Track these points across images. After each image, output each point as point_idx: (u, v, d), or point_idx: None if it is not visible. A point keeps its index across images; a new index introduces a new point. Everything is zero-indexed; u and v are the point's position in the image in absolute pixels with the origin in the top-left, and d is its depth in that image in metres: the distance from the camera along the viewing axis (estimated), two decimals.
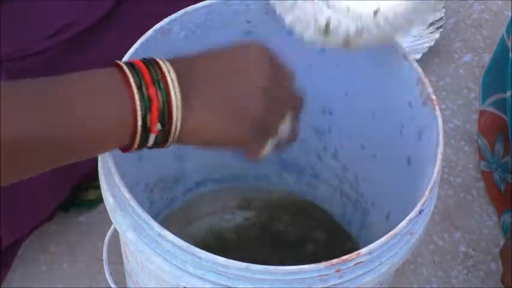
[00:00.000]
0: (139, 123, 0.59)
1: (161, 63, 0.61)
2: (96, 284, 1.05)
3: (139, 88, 0.59)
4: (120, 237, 0.77)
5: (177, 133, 0.61)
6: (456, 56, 1.32)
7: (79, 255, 1.07)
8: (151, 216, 0.65)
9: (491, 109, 1.15)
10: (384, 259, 0.66)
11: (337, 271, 0.64)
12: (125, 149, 0.62)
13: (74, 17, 0.97)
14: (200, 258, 0.63)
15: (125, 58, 0.74)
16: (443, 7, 1.32)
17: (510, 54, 1.07)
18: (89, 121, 0.58)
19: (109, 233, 0.86)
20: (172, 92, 0.60)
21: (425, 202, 0.68)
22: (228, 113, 0.63)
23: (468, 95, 1.27)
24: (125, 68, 0.60)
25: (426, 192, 0.68)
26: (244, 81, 0.64)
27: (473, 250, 1.11)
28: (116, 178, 0.68)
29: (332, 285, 0.64)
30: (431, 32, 1.30)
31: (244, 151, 0.68)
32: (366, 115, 0.86)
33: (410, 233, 0.68)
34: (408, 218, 0.66)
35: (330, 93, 0.88)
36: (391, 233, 0.65)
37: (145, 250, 0.66)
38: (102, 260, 0.86)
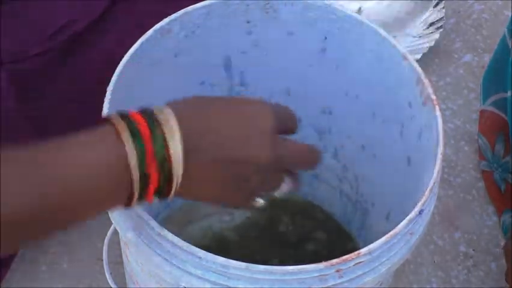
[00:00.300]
0: (135, 197, 0.56)
1: (168, 137, 0.56)
2: (96, 284, 1.05)
3: (139, 166, 0.55)
4: (120, 237, 0.77)
5: (170, 198, 0.58)
6: (456, 56, 1.32)
7: (79, 255, 1.07)
8: (151, 216, 0.65)
9: (491, 109, 1.15)
10: (384, 259, 0.66)
11: (337, 271, 0.64)
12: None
13: (70, 18, 0.97)
14: (200, 258, 0.63)
15: (125, 58, 0.74)
16: (443, 7, 1.32)
17: (511, 54, 1.07)
18: (85, 189, 0.54)
19: (109, 233, 0.86)
20: (174, 176, 0.56)
21: (425, 202, 0.68)
22: (225, 186, 0.60)
23: (468, 95, 1.27)
24: (128, 144, 0.55)
25: (426, 192, 0.68)
26: (244, 157, 0.60)
27: (473, 250, 1.11)
28: None
29: (332, 285, 0.64)
30: (431, 32, 1.30)
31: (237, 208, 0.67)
32: (366, 115, 0.86)
33: (410, 233, 0.68)
34: (408, 218, 0.66)
35: (330, 93, 0.88)
36: (391, 233, 0.65)
37: (145, 250, 0.66)
38: (102, 260, 0.86)
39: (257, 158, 0.60)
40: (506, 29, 1.11)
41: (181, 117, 0.56)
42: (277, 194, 0.66)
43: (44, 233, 0.55)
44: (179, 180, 0.57)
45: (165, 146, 0.55)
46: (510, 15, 1.11)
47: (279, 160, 0.61)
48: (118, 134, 0.55)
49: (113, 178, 0.54)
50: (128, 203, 0.57)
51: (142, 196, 0.56)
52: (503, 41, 1.12)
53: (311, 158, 0.66)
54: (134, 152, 0.54)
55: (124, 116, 0.56)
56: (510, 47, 1.08)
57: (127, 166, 0.54)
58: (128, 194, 0.55)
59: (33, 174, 0.52)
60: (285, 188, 0.65)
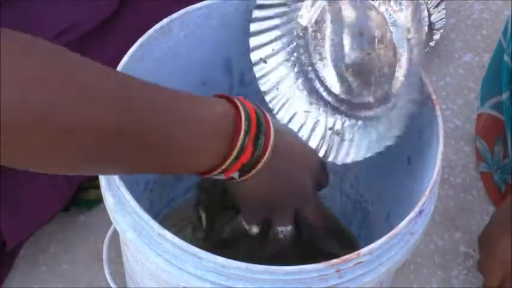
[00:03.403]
0: (228, 161, 0.64)
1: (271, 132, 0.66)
2: (96, 284, 1.05)
3: (243, 140, 0.64)
4: (120, 237, 0.77)
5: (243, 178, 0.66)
6: (456, 56, 1.32)
7: (79, 255, 1.07)
8: (151, 216, 0.65)
9: (489, 111, 1.15)
10: (384, 259, 0.66)
11: (337, 271, 0.64)
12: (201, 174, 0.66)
13: (77, 19, 0.97)
14: (200, 258, 0.63)
15: (126, 58, 0.75)
16: (444, 8, 1.32)
17: (505, 56, 1.08)
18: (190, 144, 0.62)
19: (109, 233, 0.86)
20: (266, 155, 0.65)
21: (425, 202, 0.68)
22: (275, 193, 0.69)
23: (468, 95, 1.27)
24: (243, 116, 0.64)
25: (427, 193, 0.68)
26: (299, 178, 0.71)
27: (473, 250, 1.11)
28: (116, 178, 0.68)
29: (332, 285, 0.64)
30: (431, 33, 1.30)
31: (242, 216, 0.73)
32: None
33: (410, 233, 0.68)
34: (408, 218, 0.66)
35: None
36: (391, 233, 0.65)
37: (145, 250, 0.66)
38: (102, 260, 0.86)
39: (305, 187, 0.71)
40: (501, 32, 1.12)
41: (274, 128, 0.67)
42: (283, 232, 0.73)
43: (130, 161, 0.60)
44: (260, 167, 0.65)
45: (266, 135, 0.65)
46: (507, 17, 1.11)
47: (309, 203, 0.72)
48: (235, 106, 0.65)
49: (220, 134, 0.63)
50: (212, 169, 0.64)
51: (230, 164, 0.64)
52: (499, 43, 1.12)
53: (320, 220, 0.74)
54: (245, 122, 0.64)
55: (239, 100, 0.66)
56: (504, 48, 1.09)
57: (236, 125, 0.64)
58: (223, 155, 0.63)
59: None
60: (287, 228, 0.72)
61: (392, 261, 0.67)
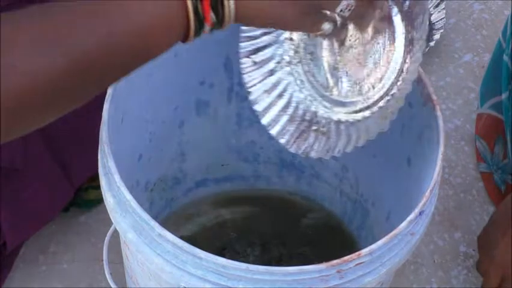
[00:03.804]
0: (191, 15, 0.58)
1: None
2: (96, 284, 1.05)
3: None
4: (120, 238, 0.77)
5: (231, 20, 0.60)
6: (456, 56, 1.32)
7: (79, 255, 1.07)
8: (151, 216, 0.65)
9: (489, 112, 1.15)
10: (385, 260, 0.66)
11: (338, 272, 0.64)
12: (183, 40, 0.60)
13: None
14: (200, 258, 0.63)
15: None
16: (444, 8, 1.32)
17: (504, 56, 1.08)
18: (143, 19, 0.56)
19: (109, 233, 0.86)
20: None
21: (425, 203, 0.68)
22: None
23: (468, 95, 1.27)
24: None
25: (427, 193, 0.68)
26: None
27: (473, 250, 1.11)
28: (117, 178, 0.68)
29: (333, 285, 0.64)
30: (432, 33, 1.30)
31: (303, 30, 0.67)
32: None
33: (411, 233, 0.68)
34: (408, 219, 0.66)
35: None
36: (392, 233, 0.65)
37: (145, 250, 0.66)
38: (102, 260, 0.86)
39: None
40: (501, 32, 1.12)
41: None
42: (341, 10, 0.65)
43: (112, 77, 0.57)
44: None
45: None
46: (507, 17, 1.11)
47: None
48: None
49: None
50: (187, 26, 0.58)
51: (197, 11, 0.58)
52: (498, 43, 1.12)
53: None
54: None
55: None
56: (504, 48, 1.09)
57: None
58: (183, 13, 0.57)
59: (100, 14, 0.55)
60: (344, 3, 0.65)
61: (392, 261, 0.67)
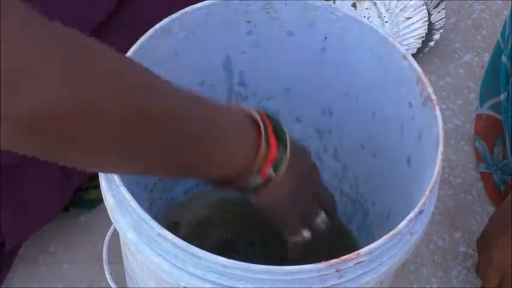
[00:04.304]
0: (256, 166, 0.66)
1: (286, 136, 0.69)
2: (96, 284, 1.05)
3: (265, 132, 0.66)
4: (120, 237, 0.77)
5: (261, 187, 0.69)
6: (456, 56, 1.32)
7: (79, 255, 1.07)
8: (151, 216, 0.65)
9: (489, 112, 1.15)
10: (384, 259, 0.66)
11: (337, 271, 0.64)
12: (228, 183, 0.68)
13: (74, 20, 0.97)
14: (200, 258, 0.63)
15: None
16: (444, 8, 1.32)
17: (502, 57, 1.08)
18: (225, 173, 0.65)
19: (109, 233, 0.86)
20: (287, 146, 0.68)
21: (425, 202, 0.68)
22: (295, 192, 0.72)
23: (468, 95, 1.27)
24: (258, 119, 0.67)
25: (427, 193, 0.68)
26: (311, 176, 0.75)
27: (473, 250, 1.11)
28: (116, 178, 0.68)
29: (332, 285, 0.64)
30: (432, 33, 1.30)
31: (286, 229, 0.76)
32: (366, 115, 0.86)
33: (410, 233, 0.68)
34: (408, 218, 0.66)
35: (330, 93, 0.88)
36: (391, 233, 0.65)
37: (145, 250, 0.66)
38: (102, 260, 0.86)
39: (321, 188, 0.77)
40: (499, 33, 1.12)
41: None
42: (319, 222, 0.75)
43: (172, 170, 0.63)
44: (289, 160, 0.68)
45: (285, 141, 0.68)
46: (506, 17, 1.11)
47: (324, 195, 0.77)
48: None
49: (247, 129, 0.66)
50: (246, 169, 0.66)
51: (263, 158, 0.66)
52: (497, 44, 1.12)
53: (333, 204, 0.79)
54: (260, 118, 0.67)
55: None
56: (502, 49, 1.09)
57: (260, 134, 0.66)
58: (252, 153, 0.66)
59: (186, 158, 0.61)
60: (322, 216, 0.75)
61: (392, 261, 0.67)
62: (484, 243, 0.98)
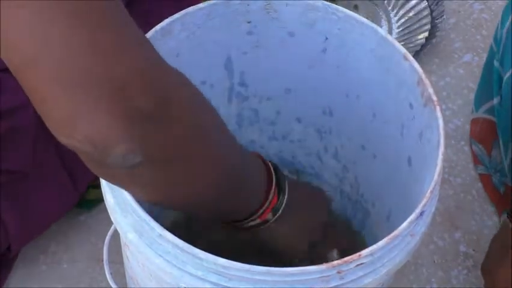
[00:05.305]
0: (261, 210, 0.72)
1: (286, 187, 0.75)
2: (96, 284, 1.05)
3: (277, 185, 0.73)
4: (120, 238, 0.77)
5: (266, 229, 0.74)
6: (456, 56, 1.32)
7: (79, 255, 1.07)
8: (152, 217, 0.65)
9: (486, 116, 1.15)
10: (385, 260, 0.66)
11: (338, 272, 0.64)
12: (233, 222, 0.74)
13: None
14: (201, 259, 0.63)
15: None
16: (443, 9, 1.32)
17: (494, 62, 1.08)
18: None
19: (109, 233, 0.86)
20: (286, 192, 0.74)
21: (426, 204, 0.67)
22: (299, 235, 0.78)
23: (468, 95, 1.27)
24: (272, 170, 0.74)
25: (427, 194, 0.68)
26: (314, 218, 0.80)
27: (473, 250, 1.11)
28: None
29: (333, 286, 0.64)
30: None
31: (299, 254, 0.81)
32: (366, 116, 0.86)
33: (411, 234, 0.68)
34: (409, 219, 0.66)
35: (330, 94, 0.88)
36: (392, 234, 0.65)
37: (145, 251, 0.66)
38: (102, 260, 0.86)
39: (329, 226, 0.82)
40: (492, 37, 1.11)
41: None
42: (329, 257, 0.81)
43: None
44: (285, 203, 0.74)
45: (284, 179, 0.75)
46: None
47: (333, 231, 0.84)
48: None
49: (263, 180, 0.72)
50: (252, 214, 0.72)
51: (266, 207, 0.73)
52: (491, 48, 1.12)
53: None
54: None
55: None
56: (495, 51, 1.09)
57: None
58: (261, 200, 0.72)
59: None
60: (335, 253, 0.81)
61: (393, 262, 0.67)
62: (487, 269, 0.97)
